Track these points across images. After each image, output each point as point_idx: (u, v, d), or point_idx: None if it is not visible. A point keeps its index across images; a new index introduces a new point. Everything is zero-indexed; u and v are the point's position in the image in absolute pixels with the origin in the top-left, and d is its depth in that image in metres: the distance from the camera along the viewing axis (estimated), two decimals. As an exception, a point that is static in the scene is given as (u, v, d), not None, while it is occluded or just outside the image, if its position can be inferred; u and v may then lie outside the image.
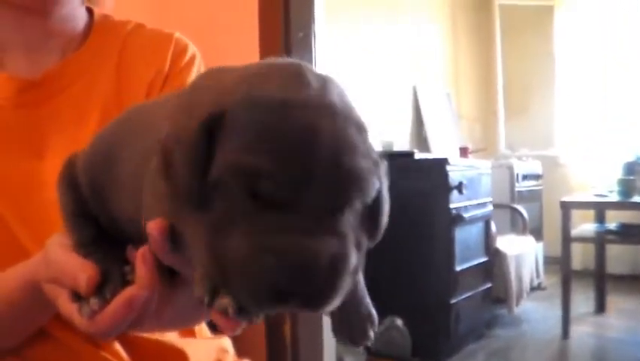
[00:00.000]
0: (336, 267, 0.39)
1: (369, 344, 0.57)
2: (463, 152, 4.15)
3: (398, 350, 2.98)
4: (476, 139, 5.13)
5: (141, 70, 0.87)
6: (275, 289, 0.38)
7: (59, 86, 0.82)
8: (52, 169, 0.78)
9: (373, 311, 0.57)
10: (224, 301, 0.40)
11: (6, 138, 0.78)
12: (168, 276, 0.50)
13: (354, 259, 0.41)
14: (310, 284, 0.39)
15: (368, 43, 3.87)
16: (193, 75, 0.90)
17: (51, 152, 0.79)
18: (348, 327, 0.56)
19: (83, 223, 0.58)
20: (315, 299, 0.40)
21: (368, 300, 0.58)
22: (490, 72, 5.53)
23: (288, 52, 1.42)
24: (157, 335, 0.80)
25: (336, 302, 0.41)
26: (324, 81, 0.43)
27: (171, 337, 0.82)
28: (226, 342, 0.91)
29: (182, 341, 0.83)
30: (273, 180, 0.39)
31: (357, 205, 0.42)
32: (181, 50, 0.91)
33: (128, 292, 0.48)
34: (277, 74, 0.43)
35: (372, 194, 0.42)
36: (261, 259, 0.38)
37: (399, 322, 2.96)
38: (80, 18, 0.88)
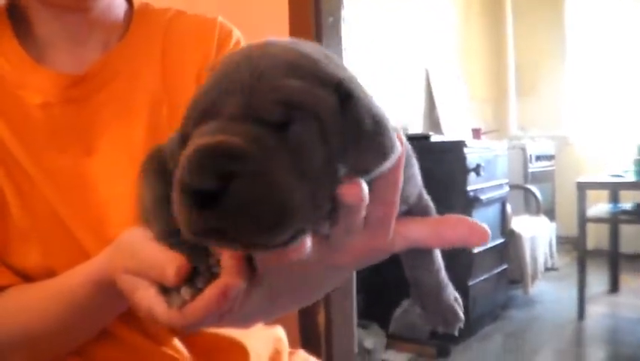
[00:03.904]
0: (214, 153, 0.39)
1: (461, 325, 0.61)
2: (476, 133, 4.13)
3: (416, 332, 2.99)
4: (487, 120, 5.11)
5: (187, 56, 0.85)
6: (181, 186, 0.40)
7: (104, 79, 0.80)
8: (100, 167, 0.77)
9: (456, 293, 0.61)
10: None
11: (56, 136, 0.77)
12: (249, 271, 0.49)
13: (257, 153, 0.39)
14: (191, 174, 0.39)
15: (380, 26, 3.83)
16: None
17: (99, 148, 0.78)
18: (440, 314, 0.59)
19: (170, 210, 0.57)
20: (202, 197, 0.39)
21: (449, 284, 0.61)
22: (502, 53, 5.48)
23: (318, 36, 1.40)
24: (213, 328, 0.79)
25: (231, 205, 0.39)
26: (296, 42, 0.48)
27: (228, 329, 0.81)
28: (280, 332, 0.90)
29: (240, 333, 0.82)
30: (204, 100, 0.44)
31: (301, 122, 0.41)
32: (226, 35, 0.89)
33: (222, 281, 0.46)
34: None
35: (307, 107, 0.42)
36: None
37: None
38: (120, 7, 0.86)
